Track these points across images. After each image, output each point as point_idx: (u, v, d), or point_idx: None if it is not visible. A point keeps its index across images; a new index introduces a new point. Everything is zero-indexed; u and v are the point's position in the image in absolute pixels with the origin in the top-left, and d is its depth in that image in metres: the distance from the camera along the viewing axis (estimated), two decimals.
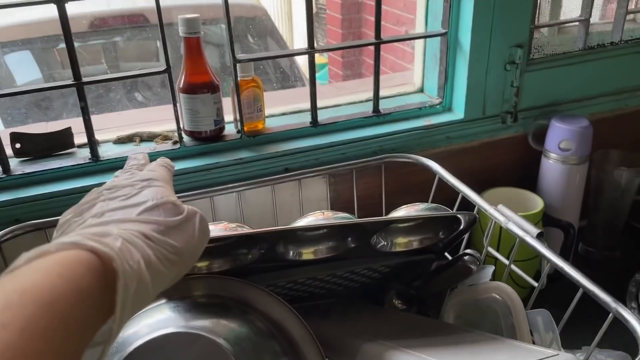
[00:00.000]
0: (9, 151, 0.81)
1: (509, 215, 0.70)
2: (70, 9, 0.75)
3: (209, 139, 0.86)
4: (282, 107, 0.98)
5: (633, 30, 1.04)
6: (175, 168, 0.81)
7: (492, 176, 0.97)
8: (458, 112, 0.96)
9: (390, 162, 0.88)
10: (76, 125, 0.85)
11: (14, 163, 0.82)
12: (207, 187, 0.81)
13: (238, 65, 0.85)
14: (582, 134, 0.90)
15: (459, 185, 0.78)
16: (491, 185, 0.95)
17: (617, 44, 1.02)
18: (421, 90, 1.03)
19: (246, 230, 0.69)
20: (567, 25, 1.03)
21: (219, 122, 0.86)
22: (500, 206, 0.72)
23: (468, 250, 0.71)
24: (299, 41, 4.15)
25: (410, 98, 1.01)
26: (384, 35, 0.90)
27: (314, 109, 0.91)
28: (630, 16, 1.09)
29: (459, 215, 0.69)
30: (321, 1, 4.04)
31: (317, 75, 0.89)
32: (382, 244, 0.70)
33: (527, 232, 0.66)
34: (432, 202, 0.80)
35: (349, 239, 0.67)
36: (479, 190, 0.94)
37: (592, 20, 1.00)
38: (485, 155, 0.98)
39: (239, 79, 0.85)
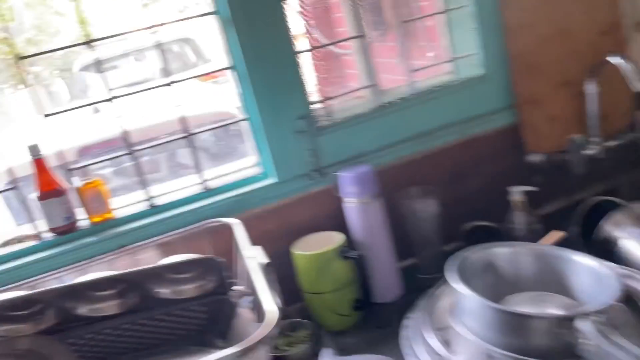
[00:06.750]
0: None
1: (257, 254, 0.88)
2: None
3: (63, 232, 1.10)
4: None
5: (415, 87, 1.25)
6: (34, 258, 1.05)
7: (312, 224, 1.15)
8: (272, 178, 1.17)
9: (208, 227, 1.09)
10: None
11: None
12: (58, 268, 1.04)
13: (81, 170, 1.10)
14: (362, 178, 1.08)
15: (238, 236, 0.97)
16: (311, 231, 1.14)
17: (406, 98, 1.22)
18: (254, 165, 1.23)
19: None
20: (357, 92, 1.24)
21: (70, 218, 1.10)
22: (255, 248, 0.90)
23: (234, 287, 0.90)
24: None
25: (242, 173, 1.21)
26: None
27: (150, 196, 1.15)
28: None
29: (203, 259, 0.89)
30: None
31: None
32: (164, 291, 0.90)
33: (260, 264, 0.84)
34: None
35: (127, 291, 0.88)
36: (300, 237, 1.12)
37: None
38: (301, 208, 1.17)
39: (83, 182, 1.10)
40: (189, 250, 1.07)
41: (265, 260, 0.85)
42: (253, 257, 0.87)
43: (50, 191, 1.08)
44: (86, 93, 5.21)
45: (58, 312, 0.87)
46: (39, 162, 1.08)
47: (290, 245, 1.10)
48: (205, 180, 1.17)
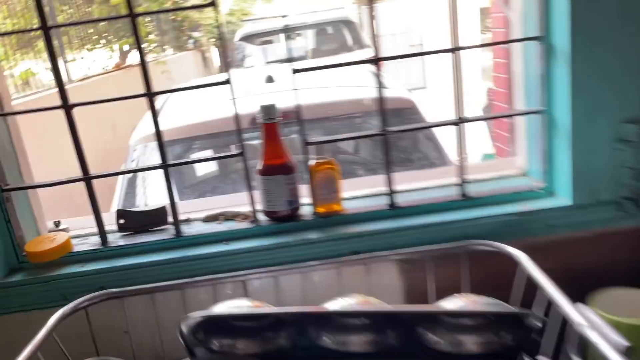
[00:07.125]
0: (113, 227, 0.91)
1: (592, 319, 0.57)
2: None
3: (282, 219, 0.86)
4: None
5: None
6: (247, 246, 0.83)
7: (608, 273, 0.81)
8: (563, 198, 0.84)
9: (472, 250, 0.79)
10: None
11: (113, 237, 0.90)
12: (274, 265, 0.81)
13: (315, 148, 0.86)
14: None
15: (540, 278, 0.66)
16: (607, 285, 0.80)
17: None
18: (525, 174, 0.93)
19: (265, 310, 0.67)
20: None
21: (293, 203, 0.86)
22: (582, 307, 0.59)
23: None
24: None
25: (510, 182, 0.91)
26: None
27: (391, 191, 0.87)
28: None
29: (518, 313, 0.59)
30: None
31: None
32: (435, 341, 0.62)
33: (609, 343, 0.53)
34: (521, 300, 0.69)
35: (389, 330, 0.61)
36: (591, 290, 0.79)
37: None
38: (599, 248, 0.83)
39: (314, 161, 0.86)
40: (436, 273, 0.79)
41: (623, 342, 0.54)
42: (592, 327, 0.56)
43: (277, 165, 0.85)
44: (244, 62, 5.24)
45: (294, 336, 0.63)
46: (270, 128, 0.85)
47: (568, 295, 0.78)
48: (464, 182, 0.88)
